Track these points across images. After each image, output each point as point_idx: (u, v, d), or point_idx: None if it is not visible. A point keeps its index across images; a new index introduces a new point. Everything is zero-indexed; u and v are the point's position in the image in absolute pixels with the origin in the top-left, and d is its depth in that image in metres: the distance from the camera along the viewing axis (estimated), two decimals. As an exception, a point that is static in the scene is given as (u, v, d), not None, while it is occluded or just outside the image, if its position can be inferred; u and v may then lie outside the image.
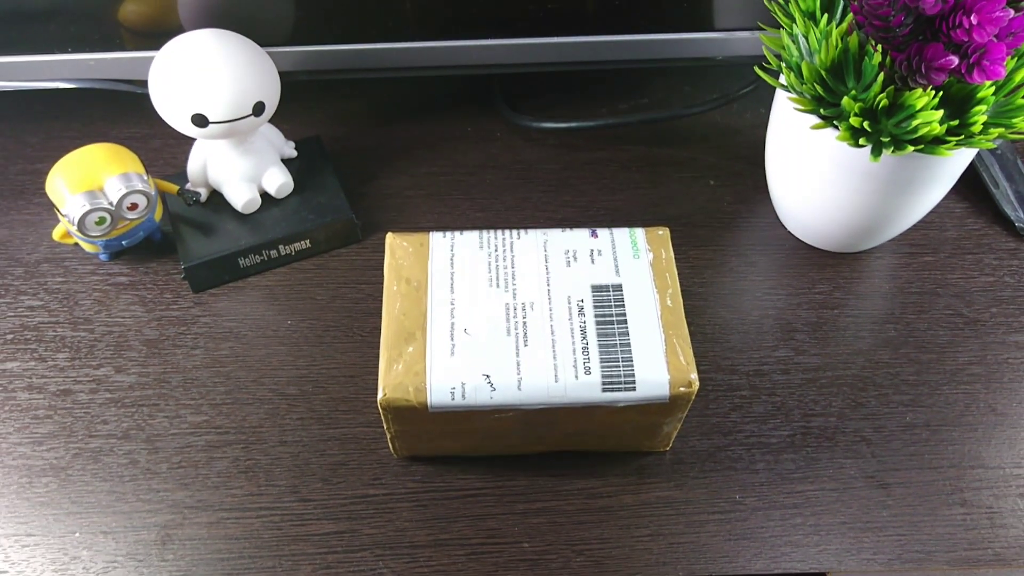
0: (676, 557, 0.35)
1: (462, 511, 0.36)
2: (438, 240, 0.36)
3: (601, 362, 0.32)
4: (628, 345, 0.32)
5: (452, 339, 0.33)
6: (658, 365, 0.32)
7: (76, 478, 0.37)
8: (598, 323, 0.33)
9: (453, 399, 0.31)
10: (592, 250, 0.36)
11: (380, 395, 0.31)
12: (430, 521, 0.36)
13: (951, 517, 0.36)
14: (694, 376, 0.32)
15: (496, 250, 0.35)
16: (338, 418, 0.39)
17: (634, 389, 0.32)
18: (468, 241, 0.36)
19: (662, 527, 0.36)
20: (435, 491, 0.37)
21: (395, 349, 0.32)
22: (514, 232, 0.36)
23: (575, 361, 0.32)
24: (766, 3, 0.40)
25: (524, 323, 0.33)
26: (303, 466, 0.37)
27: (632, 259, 0.35)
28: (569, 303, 0.34)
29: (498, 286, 0.34)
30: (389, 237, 0.36)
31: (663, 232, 0.36)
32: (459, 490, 0.37)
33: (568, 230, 0.36)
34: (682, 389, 0.32)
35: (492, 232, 0.36)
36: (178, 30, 0.41)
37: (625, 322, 0.33)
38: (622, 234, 0.36)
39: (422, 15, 0.48)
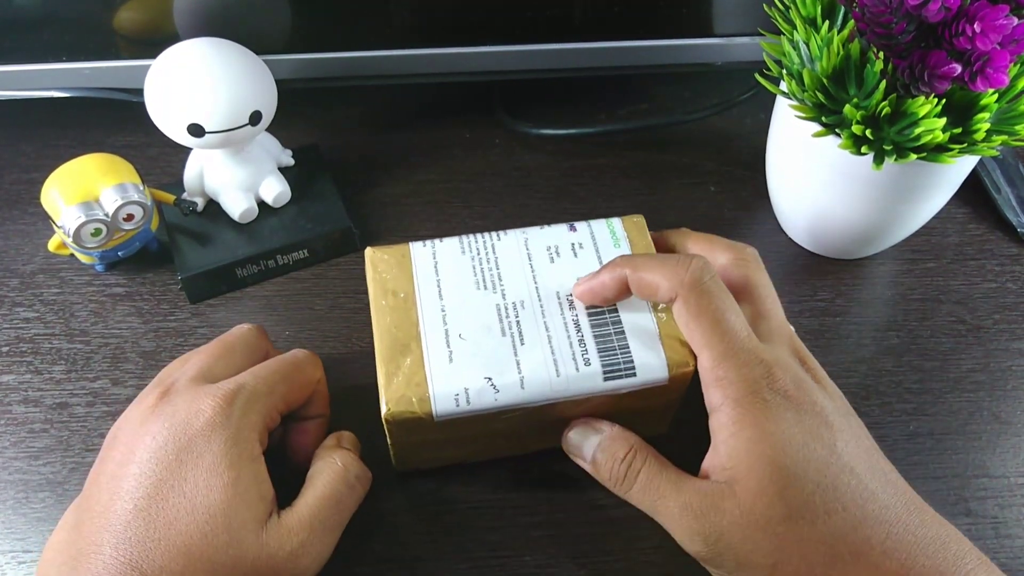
0: (679, 569, 0.34)
1: (464, 524, 0.36)
2: (419, 249, 0.36)
3: (599, 352, 0.32)
4: (623, 332, 0.33)
5: (448, 346, 0.32)
6: (655, 349, 0.32)
7: (73, 493, 0.36)
8: (590, 315, 0.33)
9: (458, 405, 0.31)
10: (573, 244, 0.36)
11: (384, 410, 0.31)
12: (431, 534, 0.35)
13: (956, 527, 0.36)
14: (690, 355, 0.32)
15: (479, 253, 0.35)
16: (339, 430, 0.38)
17: (635, 375, 0.32)
18: (449, 247, 0.36)
19: (665, 539, 0.35)
20: (437, 504, 0.36)
21: (392, 363, 0.32)
22: (494, 234, 0.36)
23: (573, 354, 0.32)
24: (766, 9, 0.39)
25: (517, 322, 0.33)
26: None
27: (613, 248, 0.36)
28: (559, 298, 0.34)
29: (486, 288, 0.34)
30: (369, 252, 0.35)
31: (639, 219, 0.37)
32: (461, 503, 0.36)
33: (547, 226, 0.37)
34: (681, 369, 0.32)
35: (472, 236, 0.36)
36: (174, 38, 0.41)
37: (616, 311, 0.33)
38: (600, 225, 0.37)
39: (420, 22, 0.48)
